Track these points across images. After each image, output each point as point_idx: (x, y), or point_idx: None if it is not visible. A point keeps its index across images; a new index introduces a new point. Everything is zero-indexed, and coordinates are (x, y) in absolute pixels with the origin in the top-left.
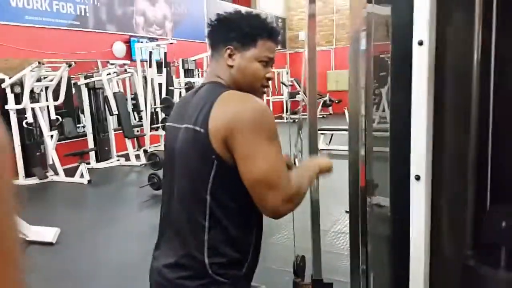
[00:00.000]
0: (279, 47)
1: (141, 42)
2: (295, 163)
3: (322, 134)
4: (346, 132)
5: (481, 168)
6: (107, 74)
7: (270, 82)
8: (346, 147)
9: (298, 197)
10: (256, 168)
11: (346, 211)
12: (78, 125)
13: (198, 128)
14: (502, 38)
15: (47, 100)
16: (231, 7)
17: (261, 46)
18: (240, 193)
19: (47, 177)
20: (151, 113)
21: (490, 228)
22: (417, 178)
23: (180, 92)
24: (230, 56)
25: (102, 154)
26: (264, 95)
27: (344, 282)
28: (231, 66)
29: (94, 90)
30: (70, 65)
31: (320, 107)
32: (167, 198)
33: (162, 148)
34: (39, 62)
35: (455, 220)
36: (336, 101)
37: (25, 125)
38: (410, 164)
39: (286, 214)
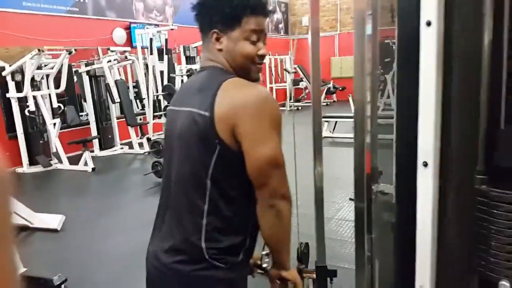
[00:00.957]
0: (281, 33)
1: (146, 28)
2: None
3: (326, 121)
4: (350, 120)
5: (490, 152)
6: (108, 62)
7: (263, 59)
8: (350, 135)
9: (287, 210)
10: (266, 149)
11: (351, 199)
12: (80, 113)
13: (202, 112)
14: None
15: (48, 88)
16: None
17: (246, 23)
18: (241, 180)
19: (51, 165)
20: (154, 100)
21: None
22: (425, 164)
23: (182, 79)
24: (217, 39)
25: (106, 142)
26: (266, 84)
27: (348, 268)
28: (221, 50)
29: (95, 78)
30: (70, 52)
31: (324, 94)
32: (165, 182)
33: None
34: (38, 50)
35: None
36: (340, 88)
37: (27, 114)
38: (416, 150)
39: (284, 202)
